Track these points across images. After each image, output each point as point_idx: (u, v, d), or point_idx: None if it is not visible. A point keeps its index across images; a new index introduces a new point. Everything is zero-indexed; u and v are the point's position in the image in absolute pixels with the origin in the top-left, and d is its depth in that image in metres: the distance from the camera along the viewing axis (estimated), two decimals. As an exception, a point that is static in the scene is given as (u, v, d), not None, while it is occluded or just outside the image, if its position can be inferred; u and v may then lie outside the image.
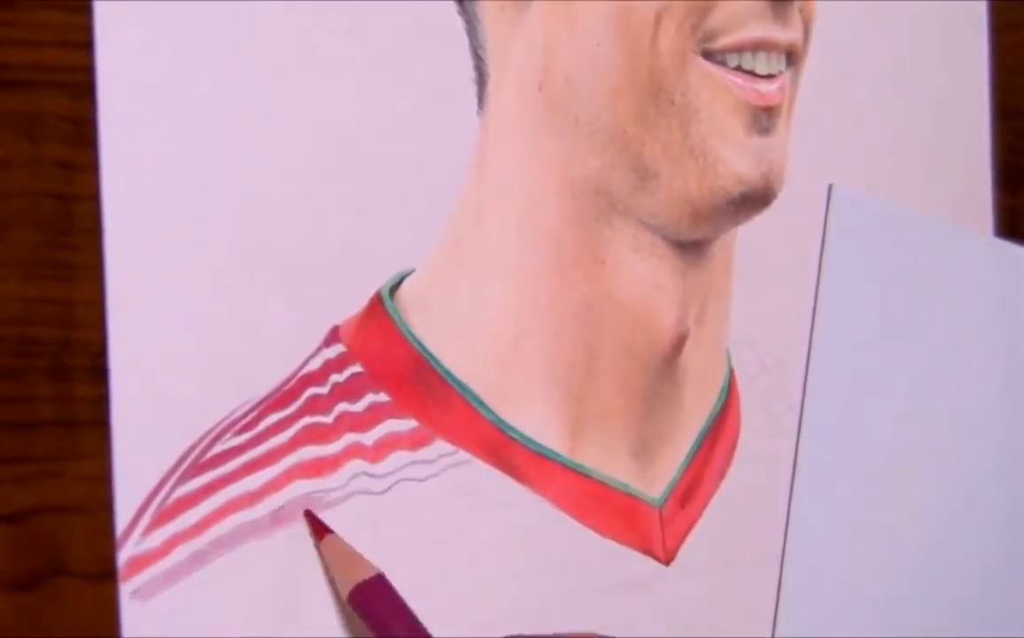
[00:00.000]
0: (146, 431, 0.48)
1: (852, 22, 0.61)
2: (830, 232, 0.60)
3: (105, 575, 0.47)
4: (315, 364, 0.50)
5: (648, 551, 0.56)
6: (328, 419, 0.51)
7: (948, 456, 0.63)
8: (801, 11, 0.56)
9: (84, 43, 0.47)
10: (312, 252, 0.50)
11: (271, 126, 0.49)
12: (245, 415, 0.49)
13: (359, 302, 0.51)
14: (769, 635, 0.59)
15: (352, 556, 0.49)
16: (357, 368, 0.51)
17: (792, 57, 0.56)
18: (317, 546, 0.50)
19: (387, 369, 0.52)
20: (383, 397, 0.52)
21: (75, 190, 0.47)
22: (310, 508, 0.50)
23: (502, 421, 0.53)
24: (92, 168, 0.47)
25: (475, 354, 0.53)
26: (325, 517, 0.50)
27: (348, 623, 0.50)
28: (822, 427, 0.60)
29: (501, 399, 0.53)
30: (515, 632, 0.50)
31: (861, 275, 0.61)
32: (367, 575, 0.49)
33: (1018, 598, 0.64)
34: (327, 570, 0.50)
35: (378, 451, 0.51)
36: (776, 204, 0.56)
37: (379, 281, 0.51)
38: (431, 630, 0.48)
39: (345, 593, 0.49)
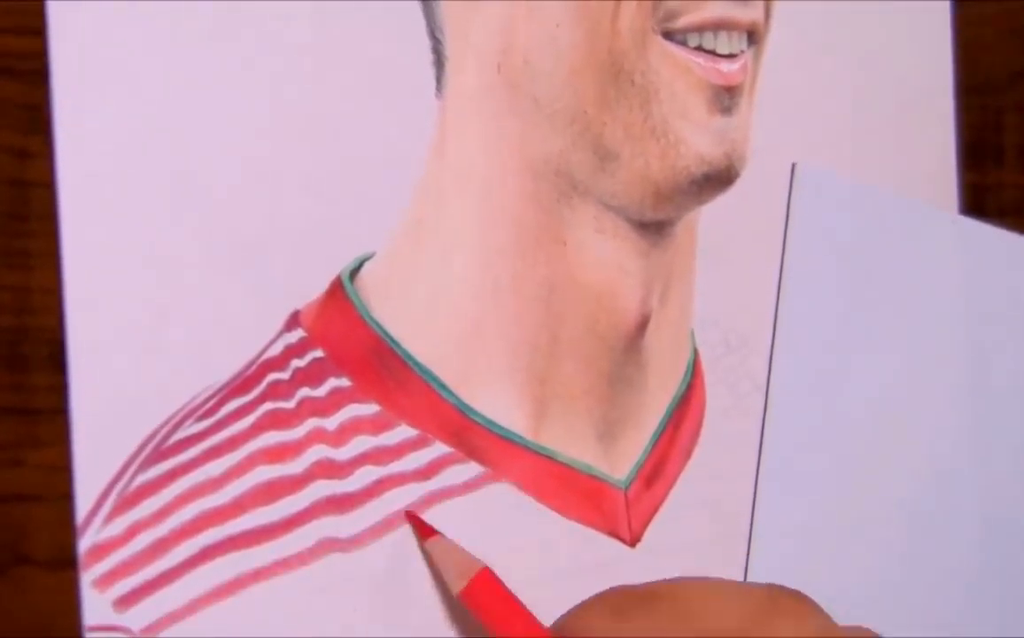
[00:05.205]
0: (106, 419, 0.47)
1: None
2: (794, 210, 0.60)
3: (66, 563, 0.47)
4: (276, 349, 0.50)
5: (613, 533, 0.56)
6: (290, 404, 0.51)
7: (915, 434, 0.63)
8: (762, -11, 0.56)
9: (37, 29, 0.47)
10: (271, 237, 0.50)
11: (228, 110, 0.49)
12: (206, 401, 0.49)
13: (319, 287, 0.51)
14: (737, 615, 0.59)
15: (458, 553, 0.50)
16: (318, 353, 0.51)
17: (754, 36, 0.56)
18: (422, 546, 0.50)
19: (348, 353, 0.52)
20: (345, 381, 0.51)
21: (30, 177, 0.47)
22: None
23: (464, 404, 0.53)
24: (47, 155, 0.47)
25: (436, 337, 0.53)
26: (288, 503, 0.50)
27: (458, 623, 0.51)
28: (788, 406, 0.60)
29: (463, 382, 0.53)
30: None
31: (825, 253, 0.61)
32: (476, 570, 0.49)
33: (990, 571, 0.64)
34: (434, 569, 0.50)
35: (340, 436, 0.51)
36: (739, 184, 0.56)
37: (339, 265, 0.51)
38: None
39: (456, 590, 0.49)
